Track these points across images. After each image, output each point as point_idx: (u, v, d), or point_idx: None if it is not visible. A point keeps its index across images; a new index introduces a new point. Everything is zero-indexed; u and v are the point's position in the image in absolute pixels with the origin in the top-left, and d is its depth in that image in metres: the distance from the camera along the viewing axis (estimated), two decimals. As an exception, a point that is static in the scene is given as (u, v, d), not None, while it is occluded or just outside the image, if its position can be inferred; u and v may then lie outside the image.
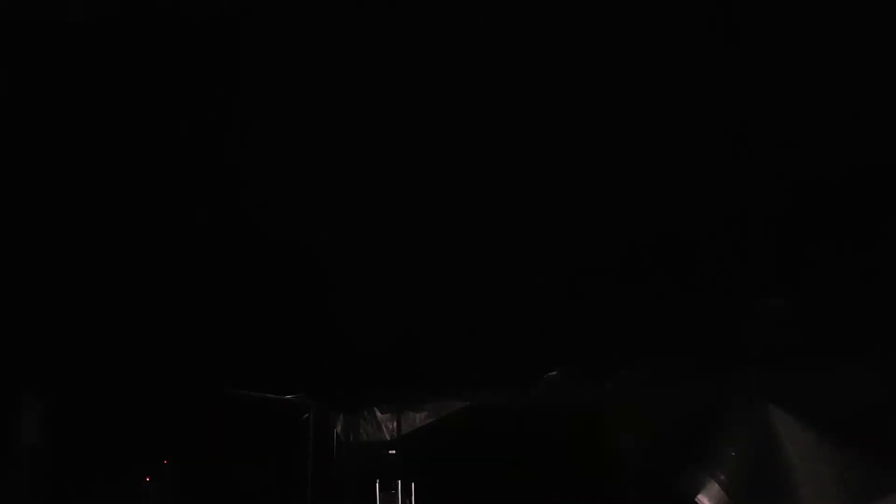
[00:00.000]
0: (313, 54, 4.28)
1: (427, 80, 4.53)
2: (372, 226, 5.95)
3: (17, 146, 5.02)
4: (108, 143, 5.02)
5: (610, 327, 7.46)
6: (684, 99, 4.88)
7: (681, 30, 4.24)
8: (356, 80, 4.51)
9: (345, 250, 6.32)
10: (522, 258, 6.44)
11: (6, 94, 4.45)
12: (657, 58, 4.46)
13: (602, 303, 7.13)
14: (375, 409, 10.41)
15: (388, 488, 9.70)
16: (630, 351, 7.82)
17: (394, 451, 10.05)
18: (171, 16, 4.01)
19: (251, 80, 4.54)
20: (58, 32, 4.05)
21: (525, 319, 7.55)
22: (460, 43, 4.21)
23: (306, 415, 10.34)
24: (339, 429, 10.54)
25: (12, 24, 3.98)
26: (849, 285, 6.36)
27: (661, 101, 4.88)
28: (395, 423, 10.25)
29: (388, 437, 10.28)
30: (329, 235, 6.07)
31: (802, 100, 4.85)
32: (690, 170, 5.47)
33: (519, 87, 4.64)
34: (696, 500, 7.47)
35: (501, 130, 4.90)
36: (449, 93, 4.64)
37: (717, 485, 7.44)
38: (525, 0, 3.99)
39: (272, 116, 4.86)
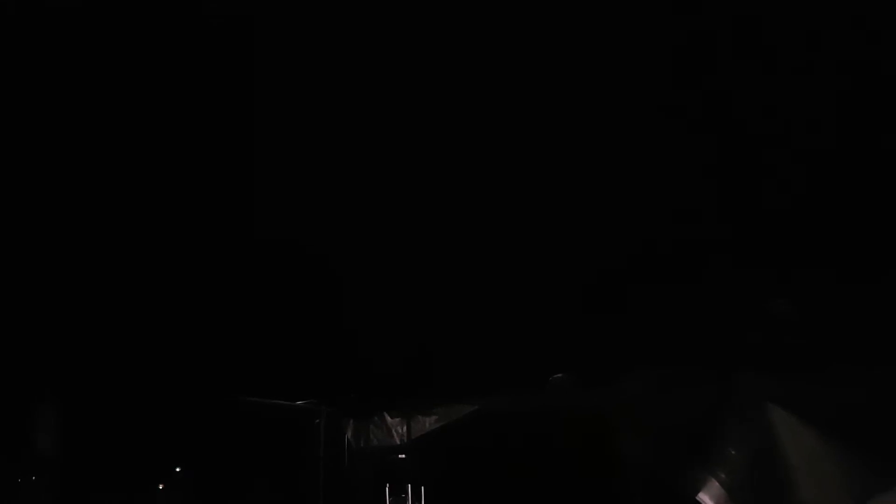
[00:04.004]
0: (330, 57, 4.40)
1: (450, 93, 4.65)
2: (388, 241, 6.08)
3: (32, 152, 5.15)
4: (124, 150, 5.15)
5: (615, 333, 7.52)
6: (682, 106, 5.00)
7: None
8: (377, 89, 4.64)
9: (361, 265, 6.44)
10: (532, 268, 6.54)
11: (18, 93, 4.57)
12: (665, 63, 4.59)
13: (608, 309, 7.21)
14: (385, 413, 10.42)
15: (398, 492, 9.74)
16: (634, 356, 7.88)
17: (403, 455, 10.07)
18: (185, 16, 4.13)
19: (267, 85, 4.67)
20: (69, 27, 4.17)
21: (534, 326, 7.61)
22: (488, 51, 4.34)
23: (317, 420, 10.38)
24: (349, 433, 10.57)
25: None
26: (850, 285, 6.42)
27: (661, 108, 5.00)
28: (404, 428, 10.27)
29: (397, 442, 10.30)
30: (346, 250, 6.18)
31: (802, 103, 4.97)
32: (694, 177, 5.58)
33: (537, 102, 4.77)
34: (697, 499, 7.50)
35: (513, 146, 5.04)
36: (471, 106, 4.77)
37: (718, 484, 7.48)
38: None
39: (289, 125, 4.99)
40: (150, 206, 5.79)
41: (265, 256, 6.58)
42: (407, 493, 9.68)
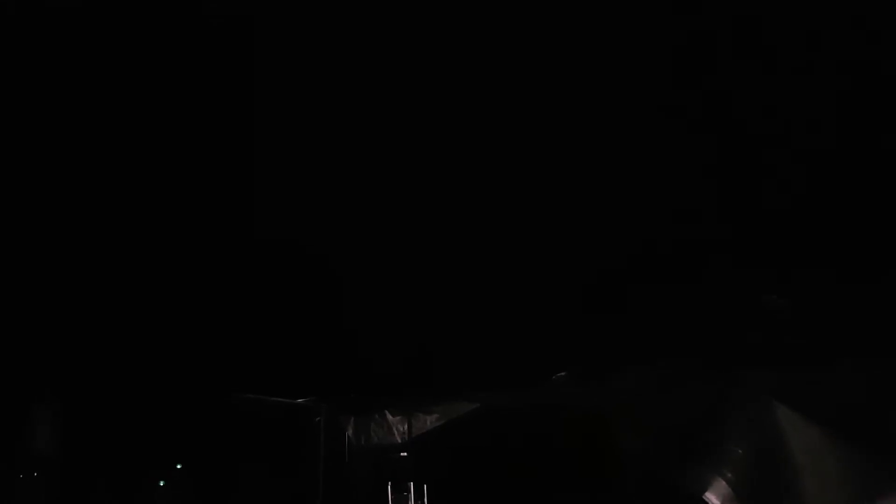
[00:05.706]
0: (330, 57, 4.41)
1: (450, 94, 4.67)
2: (388, 241, 6.10)
3: (32, 151, 5.17)
4: (125, 150, 5.17)
5: (615, 333, 7.53)
6: (682, 106, 5.00)
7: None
8: (377, 90, 4.65)
9: (360, 265, 6.45)
10: (532, 267, 6.55)
11: (18, 93, 4.59)
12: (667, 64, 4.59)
13: (608, 309, 7.21)
14: (386, 411, 10.39)
15: (399, 490, 9.73)
16: (634, 355, 7.88)
17: (405, 454, 10.06)
18: (185, 16, 4.15)
19: (267, 85, 4.68)
20: (71, 27, 4.19)
21: (534, 323, 7.62)
22: (494, 52, 4.35)
23: (318, 418, 10.38)
24: (350, 432, 10.56)
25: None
26: (850, 285, 6.43)
27: (661, 108, 5.01)
28: (405, 426, 10.25)
29: (398, 440, 10.27)
30: (346, 250, 6.21)
31: (802, 103, 4.97)
32: (694, 177, 5.59)
33: (538, 103, 4.78)
34: (703, 497, 7.49)
35: (513, 146, 5.05)
36: (471, 106, 4.78)
37: (723, 482, 7.46)
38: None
39: (289, 125, 5.00)
40: (150, 206, 5.81)
41: (265, 256, 6.60)
42: (409, 492, 9.67)
